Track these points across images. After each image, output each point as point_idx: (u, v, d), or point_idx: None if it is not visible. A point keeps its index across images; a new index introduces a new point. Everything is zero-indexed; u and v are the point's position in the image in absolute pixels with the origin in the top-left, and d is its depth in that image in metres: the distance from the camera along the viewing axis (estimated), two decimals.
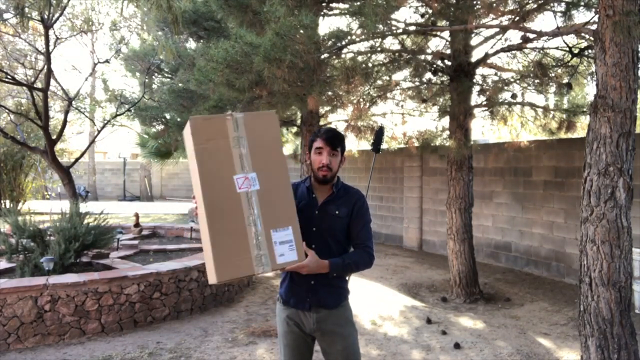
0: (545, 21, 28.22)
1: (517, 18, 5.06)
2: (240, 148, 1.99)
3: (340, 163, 2.29)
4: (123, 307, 4.65)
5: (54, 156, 8.28)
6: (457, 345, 4.33)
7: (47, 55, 7.74)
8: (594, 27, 3.43)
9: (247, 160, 1.99)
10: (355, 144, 9.58)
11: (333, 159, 2.24)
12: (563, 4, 4.94)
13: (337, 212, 2.26)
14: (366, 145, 9.18)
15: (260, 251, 1.95)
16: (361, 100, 6.86)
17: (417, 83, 6.72)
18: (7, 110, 10.40)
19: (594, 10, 4.66)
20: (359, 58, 5.55)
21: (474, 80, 6.12)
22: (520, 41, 5.31)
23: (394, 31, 5.29)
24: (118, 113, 9.84)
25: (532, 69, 5.74)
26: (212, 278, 1.95)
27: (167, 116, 9.60)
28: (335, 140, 2.25)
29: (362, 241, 2.27)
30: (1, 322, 4.20)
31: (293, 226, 2.01)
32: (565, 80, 5.76)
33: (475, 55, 6.11)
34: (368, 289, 6.39)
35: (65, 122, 8.97)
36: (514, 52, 6.11)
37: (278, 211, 2.00)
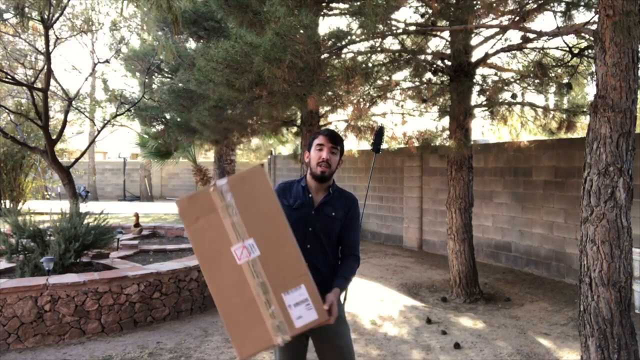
0: (545, 21, 28.24)
1: (517, 18, 5.06)
2: (232, 216, 1.86)
3: (338, 164, 2.33)
4: (123, 307, 4.65)
5: (54, 156, 8.27)
6: (457, 345, 4.33)
7: (47, 55, 7.74)
8: (594, 27, 3.43)
9: (241, 228, 1.86)
10: (355, 144, 9.59)
11: (333, 157, 2.29)
12: (563, 4, 4.94)
13: (333, 214, 2.30)
14: (366, 145, 9.18)
15: (275, 319, 1.83)
16: (361, 100, 6.87)
17: (417, 83, 6.71)
18: (7, 110, 10.39)
19: (594, 10, 4.66)
20: (359, 58, 5.54)
21: (474, 80, 6.12)
22: (520, 41, 5.31)
23: (394, 31, 5.29)
24: (118, 113, 9.83)
25: (532, 69, 5.74)
26: (238, 355, 1.87)
27: (167, 116, 9.62)
28: (336, 137, 2.31)
29: (351, 247, 2.32)
30: (1, 322, 4.20)
31: (306, 283, 1.86)
32: (565, 80, 5.76)
33: (475, 55, 6.11)
34: (368, 289, 6.39)
35: (65, 122, 8.96)
36: (514, 52, 6.12)
37: (286, 271, 1.86)
